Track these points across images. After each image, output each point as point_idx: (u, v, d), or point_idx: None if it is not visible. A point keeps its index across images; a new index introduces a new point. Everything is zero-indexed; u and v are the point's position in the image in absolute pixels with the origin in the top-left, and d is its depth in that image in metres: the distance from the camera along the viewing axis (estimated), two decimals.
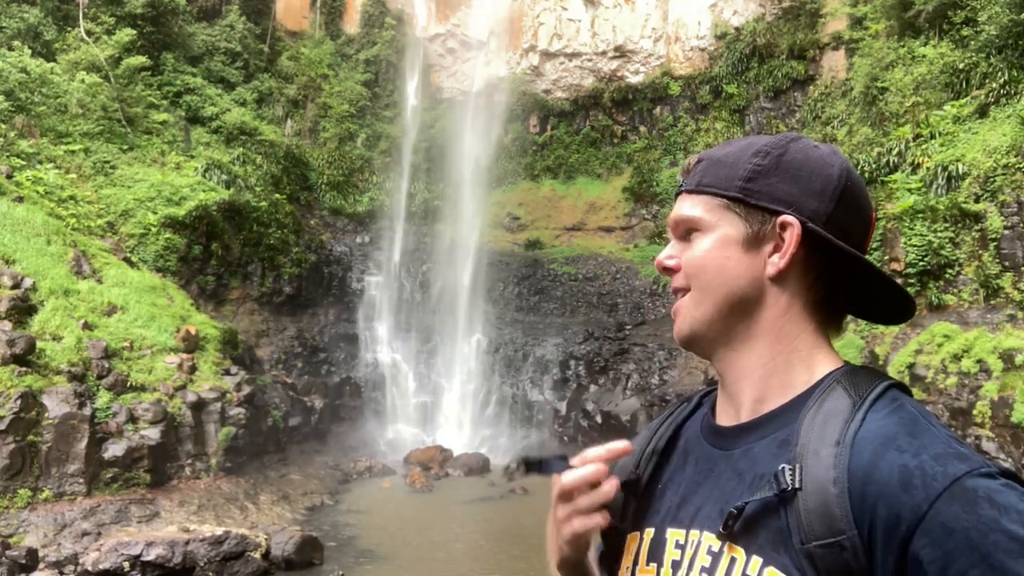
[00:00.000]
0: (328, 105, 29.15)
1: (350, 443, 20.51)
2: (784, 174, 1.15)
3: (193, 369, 15.17)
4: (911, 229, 15.19)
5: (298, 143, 27.51)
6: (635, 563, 1.23)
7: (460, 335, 24.33)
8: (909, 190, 16.03)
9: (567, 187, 30.64)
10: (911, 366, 14.07)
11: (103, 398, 13.38)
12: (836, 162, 1.16)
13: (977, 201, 14.72)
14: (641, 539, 1.24)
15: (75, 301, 14.50)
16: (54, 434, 12.36)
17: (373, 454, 20.18)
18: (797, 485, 1.02)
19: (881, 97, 20.53)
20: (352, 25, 31.64)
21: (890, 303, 1.19)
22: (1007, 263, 14.02)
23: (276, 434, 17.60)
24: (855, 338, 15.84)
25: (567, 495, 1.21)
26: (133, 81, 22.68)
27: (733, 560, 1.08)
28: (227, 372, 16.08)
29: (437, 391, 23.81)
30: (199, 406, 14.75)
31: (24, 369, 12.39)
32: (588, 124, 31.54)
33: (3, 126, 18.27)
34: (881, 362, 14.80)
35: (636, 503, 1.27)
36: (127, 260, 17.72)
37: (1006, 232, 14.09)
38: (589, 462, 1.19)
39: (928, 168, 16.20)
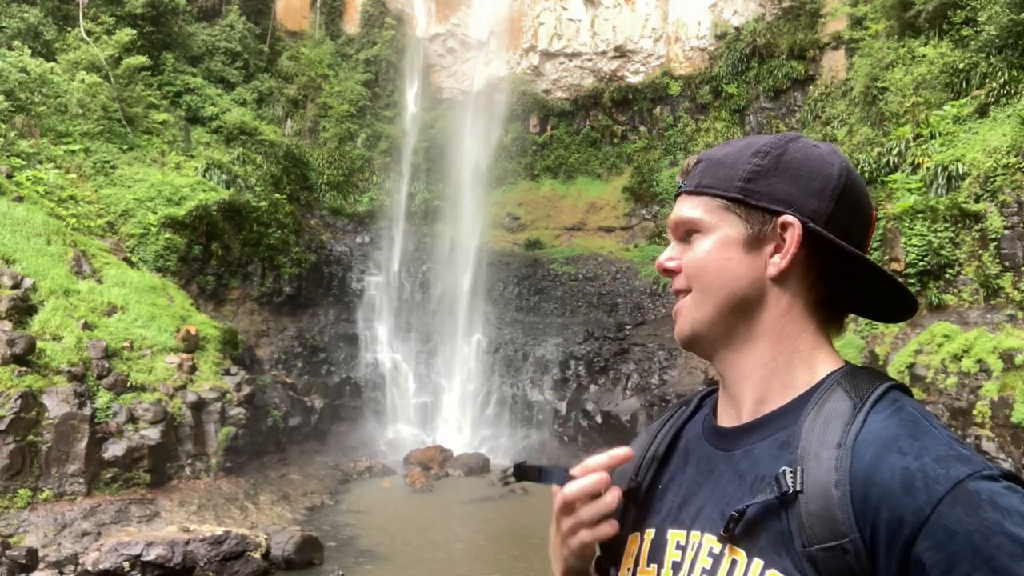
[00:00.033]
0: (328, 105, 29.15)
1: (350, 443, 20.51)
2: (784, 174, 1.15)
3: (193, 369, 15.17)
4: (911, 229, 15.19)
5: (298, 143, 27.50)
6: (636, 564, 1.23)
7: (460, 335, 24.34)
8: (909, 190, 16.02)
9: (567, 187, 30.64)
10: (911, 366, 14.07)
11: (103, 398, 13.38)
12: (836, 161, 1.16)
13: (977, 201, 14.72)
14: (642, 540, 1.24)
15: (75, 301, 14.50)
16: (54, 434, 12.36)
17: (373, 454, 20.18)
18: (798, 488, 1.02)
19: (881, 97, 20.53)
20: (352, 25, 31.64)
21: (892, 301, 1.19)
22: (1007, 263, 14.02)
23: (276, 434, 17.60)
24: (855, 338, 15.84)
25: (569, 507, 1.20)
26: (133, 81, 22.68)
27: (734, 562, 1.08)
28: (227, 372, 16.08)
29: (437, 391, 23.81)
30: (199, 406, 14.75)
31: (24, 369, 12.39)
32: (588, 124, 31.54)
33: (3, 126, 18.27)
34: (881, 362, 14.80)
35: (636, 509, 1.26)
36: (127, 260, 17.72)
37: (1006, 232, 14.08)
38: (591, 471, 1.19)
39: (928, 168, 16.20)
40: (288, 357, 21.74)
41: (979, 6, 18.03)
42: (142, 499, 12.99)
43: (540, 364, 23.12)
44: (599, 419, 20.58)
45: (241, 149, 24.28)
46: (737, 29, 29.27)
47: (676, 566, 1.17)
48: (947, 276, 14.87)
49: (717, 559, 1.10)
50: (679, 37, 30.31)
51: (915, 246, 15.03)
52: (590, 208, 29.73)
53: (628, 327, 23.99)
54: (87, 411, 12.83)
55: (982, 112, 16.69)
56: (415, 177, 29.01)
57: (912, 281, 14.97)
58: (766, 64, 28.17)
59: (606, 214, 29.41)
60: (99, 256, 16.63)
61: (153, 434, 13.58)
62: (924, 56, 19.18)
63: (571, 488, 1.18)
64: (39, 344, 12.94)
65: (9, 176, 17.11)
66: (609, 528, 1.20)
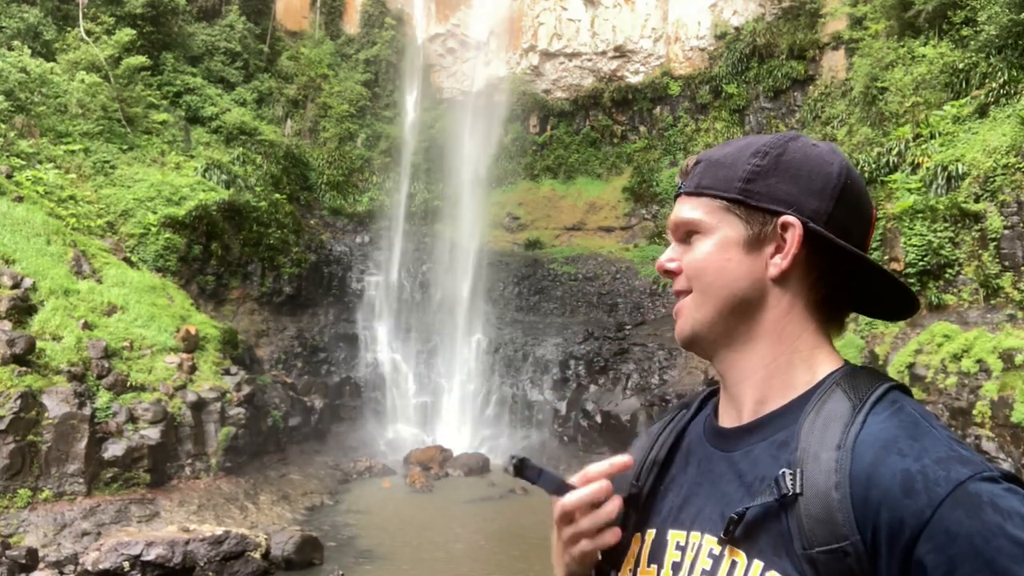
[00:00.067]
0: (328, 105, 29.15)
1: (350, 443, 20.51)
2: (783, 174, 1.15)
3: (193, 369, 15.17)
4: (911, 229, 15.19)
5: (298, 143, 27.51)
6: (636, 565, 1.23)
7: (460, 335, 24.33)
8: (909, 190, 16.02)
9: (567, 187, 30.63)
10: (911, 366, 14.07)
11: (103, 398, 13.38)
12: (835, 160, 1.16)
13: (977, 201, 14.72)
14: (643, 540, 1.24)
15: (75, 301, 14.50)
16: (54, 434, 12.36)
17: (373, 454, 20.18)
18: (798, 490, 1.02)
19: (881, 97, 20.53)
20: (352, 25, 31.64)
21: (893, 300, 1.19)
22: (1007, 263, 14.02)
23: (276, 434, 17.60)
24: (855, 338, 15.84)
25: (568, 516, 1.19)
26: (133, 81, 22.68)
27: (734, 564, 1.08)
28: (227, 372, 16.08)
29: (437, 391, 23.81)
30: (199, 406, 14.75)
31: (24, 369, 12.39)
32: (588, 124, 31.53)
33: (3, 126, 18.27)
34: (881, 362, 14.80)
35: (637, 513, 1.26)
36: (127, 260, 17.72)
37: (1006, 232, 14.08)
38: (591, 479, 1.17)
39: (928, 168, 16.20)
40: (288, 357, 21.75)
41: (979, 6, 18.03)
42: (142, 499, 12.99)
43: (540, 364, 23.12)
44: (599, 419, 20.57)
45: (241, 149, 24.28)
46: (737, 29, 29.27)
47: (676, 567, 1.16)
48: (947, 276, 14.87)
49: (717, 560, 1.10)
50: (679, 37, 30.32)
51: (915, 246, 15.03)
52: (590, 208, 29.73)
53: (628, 327, 23.99)
54: (87, 411, 12.83)
55: (982, 112, 16.69)
56: (415, 177, 29.00)
57: (912, 281, 14.97)
58: (766, 64, 28.18)
59: (606, 214, 29.42)
60: (99, 256, 16.63)
61: (153, 434, 13.58)
62: (924, 56, 19.18)
63: (570, 498, 1.17)
64: (39, 344, 12.94)
65: (9, 176, 17.11)
66: (611, 537, 1.19)
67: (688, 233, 1.21)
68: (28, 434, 12.08)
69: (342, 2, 31.59)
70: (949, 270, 14.86)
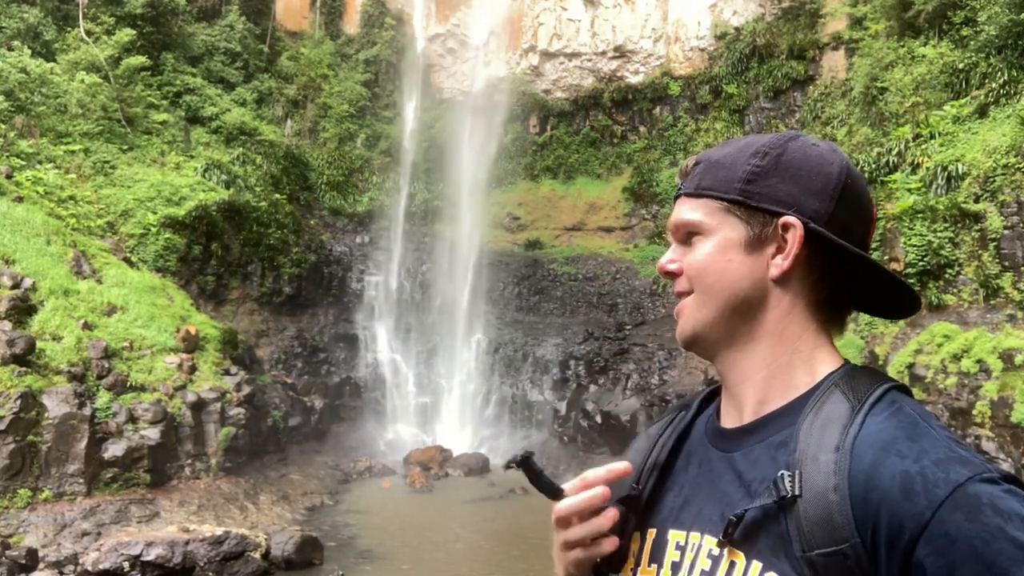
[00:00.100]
0: (328, 105, 29.15)
1: (350, 443, 20.51)
2: (784, 174, 1.15)
3: (193, 369, 15.17)
4: (911, 229, 15.19)
5: (298, 143, 27.51)
6: (637, 564, 1.23)
7: (460, 335, 24.33)
8: (909, 190, 16.02)
9: (567, 187, 30.64)
10: (911, 366, 14.07)
11: (103, 398, 13.38)
12: (836, 160, 1.15)
13: (977, 201, 14.72)
14: (643, 539, 1.24)
15: (75, 301, 14.49)
16: (54, 434, 12.36)
17: (373, 454, 20.18)
18: (796, 492, 1.02)
19: (881, 97, 20.53)
20: (352, 25, 31.64)
21: (894, 299, 1.19)
22: (1007, 263, 14.02)
23: (276, 434, 17.60)
24: (855, 338, 15.84)
25: (565, 522, 1.19)
26: (133, 81, 22.68)
27: (733, 564, 1.08)
28: (227, 372, 16.08)
29: (437, 391, 23.81)
30: (199, 406, 14.75)
31: (24, 369, 12.39)
32: (588, 124, 31.54)
33: (3, 126, 18.27)
34: (881, 362, 14.80)
35: (637, 515, 1.25)
36: (127, 260, 17.72)
37: (1006, 232, 14.08)
38: (589, 485, 1.17)
39: (928, 168, 16.20)
40: (288, 357, 21.75)
41: (979, 6, 18.03)
42: (142, 499, 12.99)
43: (540, 364, 23.12)
44: (599, 419, 20.57)
45: (241, 149, 24.28)
46: (737, 29, 29.28)
47: (675, 566, 1.17)
48: (947, 276, 14.87)
49: (716, 561, 1.10)
50: (679, 37, 30.32)
51: (915, 246, 15.03)
52: (590, 208, 29.73)
53: (628, 327, 23.99)
54: (87, 411, 12.83)
55: (982, 112, 16.69)
56: (415, 177, 29.01)
57: (912, 281, 14.97)
58: (766, 64, 28.18)
59: (606, 214, 29.42)
60: (99, 256, 16.63)
61: (153, 434, 13.58)
62: (924, 56, 19.18)
63: (563, 505, 1.17)
64: (39, 344, 12.94)
65: (9, 176, 17.11)
66: (607, 546, 1.19)
67: (689, 234, 1.21)
68: (28, 434, 12.08)
69: (342, 2, 31.59)
70: (949, 270, 14.86)
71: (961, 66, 18.04)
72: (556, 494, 1.18)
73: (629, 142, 30.78)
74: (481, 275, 25.47)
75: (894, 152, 17.82)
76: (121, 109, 21.82)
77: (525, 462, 1.20)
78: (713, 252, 1.17)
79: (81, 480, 12.47)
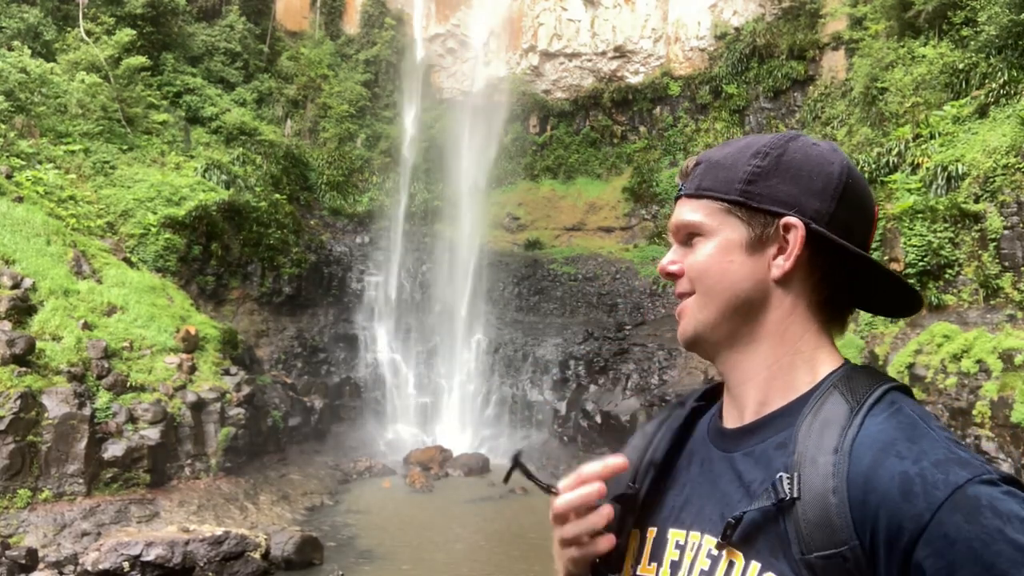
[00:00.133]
0: (328, 105, 29.15)
1: (350, 443, 20.50)
2: (784, 175, 1.14)
3: (193, 369, 15.16)
4: (911, 229, 15.19)
5: (298, 143, 27.51)
6: (637, 562, 1.23)
7: (460, 335, 24.33)
8: (909, 190, 16.02)
9: (567, 187, 30.64)
10: (911, 366, 14.07)
11: (103, 398, 13.37)
12: (836, 160, 1.15)
13: (977, 201, 14.72)
14: (643, 538, 1.24)
15: (75, 301, 14.49)
16: (54, 434, 12.36)
17: (373, 454, 20.18)
18: (795, 494, 1.02)
19: (881, 97, 20.53)
20: (352, 25, 31.64)
21: (896, 299, 1.19)
22: (1007, 263, 14.02)
23: (276, 434, 17.59)
24: (855, 338, 15.84)
25: (561, 518, 1.18)
26: (133, 81, 22.68)
27: (732, 564, 1.08)
28: (227, 372, 16.08)
29: (437, 391, 23.81)
30: (199, 406, 14.75)
31: (24, 369, 12.39)
32: (588, 124, 31.54)
33: (3, 126, 18.27)
34: (881, 362, 14.80)
35: (634, 514, 1.25)
36: (127, 260, 17.72)
37: (1006, 232, 14.08)
38: (584, 481, 1.16)
39: (928, 168, 16.20)
40: (288, 357, 21.75)
41: (979, 6, 18.03)
42: (142, 499, 12.99)
43: (540, 364, 23.12)
44: (599, 419, 20.57)
45: (241, 149, 24.29)
46: (737, 29, 29.28)
47: (675, 566, 1.17)
48: (947, 276, 14.87)
49: (715, 560, 1.11)
50: (679, 37, 30.32)
51: (915, 246, 15.03)
52: (590, 208, 29.73)
53: (628, 327, 23.99)
54: (87, 411, 12.83)
55: (982, 112, 16.69)
56: (415, 177, 29.01)
57: (912, 281, 14.97)
58: (766, 64, 28.18)
59: (606, 214, 29.42)
60: (99, 256, 16.63)
61: (153, 434, 13.58)
62: (924, 56, 19.18)
63: (560, 500, 1.17)
64: (39, 344, 12.93)
65: (9, 176, 17.11)
66: (603, 544, 1.18)
67: (689, 235, 1.20)
68: (28, 434, 12.08)
69: (342, 2, 31.59)
70: (949, 270, 14.86)
71: (961, 66, 18.04)
72: (549, 490, 1.18)
73: (629, 142, 30.78)
74: (481, 275, 25.48)
75: (894, 152, 17.82)
76: (121, 109, 21.82)
77: (516, 462, 1.20)
78: (714, 253, 1.17)
79: (81, 480, 12.47)
